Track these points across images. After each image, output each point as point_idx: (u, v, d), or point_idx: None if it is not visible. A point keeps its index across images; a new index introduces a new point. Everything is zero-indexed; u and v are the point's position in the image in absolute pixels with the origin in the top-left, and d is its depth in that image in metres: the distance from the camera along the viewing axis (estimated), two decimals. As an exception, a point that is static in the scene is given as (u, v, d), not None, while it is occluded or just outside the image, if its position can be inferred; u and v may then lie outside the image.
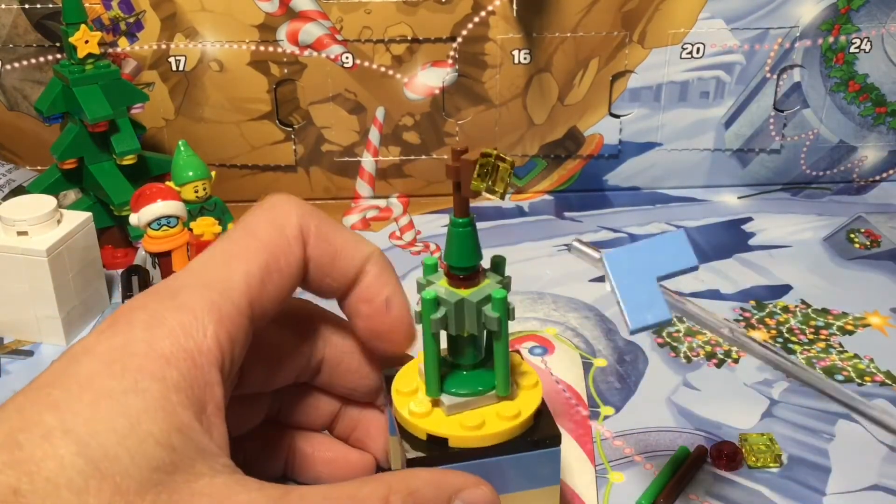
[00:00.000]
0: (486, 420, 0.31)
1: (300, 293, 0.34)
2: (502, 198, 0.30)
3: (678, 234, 0.32)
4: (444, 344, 0.34)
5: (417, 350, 0.34)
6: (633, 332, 0.31)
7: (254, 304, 0.30)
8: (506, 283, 0.32)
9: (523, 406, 0.32)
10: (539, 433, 0.32)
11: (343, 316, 0.36)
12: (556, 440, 0.32)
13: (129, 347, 0.27)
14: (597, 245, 0.71)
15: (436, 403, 0.32)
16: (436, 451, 0.31)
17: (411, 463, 0.31)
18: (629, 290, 0.31)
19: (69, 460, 0.24)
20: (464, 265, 0.31)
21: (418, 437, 0.32)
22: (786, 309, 0.62)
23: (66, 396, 0.25)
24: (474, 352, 0.33)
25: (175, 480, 0.25)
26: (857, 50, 0.76)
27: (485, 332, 0.32)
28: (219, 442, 0.27)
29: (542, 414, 0.32)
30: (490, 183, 0.30)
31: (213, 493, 0.25)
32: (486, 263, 0.33)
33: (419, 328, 0.33)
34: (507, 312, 0.31)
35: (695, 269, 0.31)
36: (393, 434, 0.34)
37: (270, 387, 0.35)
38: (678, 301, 0.33)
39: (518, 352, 0.35)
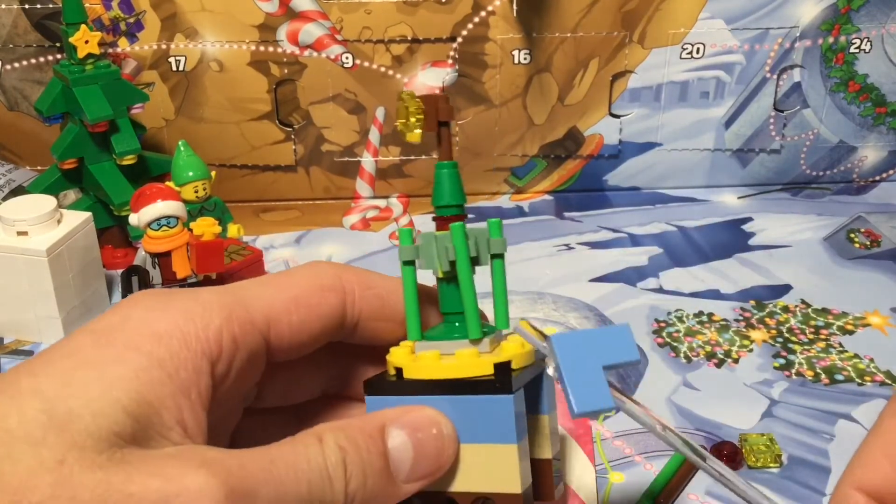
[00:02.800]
0: (445, 357, 0.32)
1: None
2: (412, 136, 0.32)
3: (623, 327, 0.33)
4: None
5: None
6: (576, 417, 0.32)
7: (272, 324, 0.30)
8: (496, 247, 0.33)
9: (493, 357, 0.32)
10: (490, 379, 0.31)
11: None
12: (504, 389, 0.31)
13: (122, 324, 0.27)
14: (596, 245, 0.71)
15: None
16: (390, 379, 0.32)
17: (364, 386, 0.32)
18: (574, 375, 0.32)
19: (31, 416, 0.24)
20: (447, 203, 0.33)
21: (389, 374, 0.32)
22: (786, 309, 0.62)
23: (47, 364, 0.26)
24: (456, 300, 0.33)
25: (131, 446, 0.25)
26: (857, 50, 0.76)
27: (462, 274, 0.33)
28: (192, 430, 0.27)
29: (507, 368, 0.32)
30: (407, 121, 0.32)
31: (168, 453, 0.25)
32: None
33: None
34: (467, 247, 0.32)
35: (637, 363, 0.34)
36: None
37: (292, 400, 0.35)
38: (619, 397, 0.33)
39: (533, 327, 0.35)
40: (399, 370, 0.32)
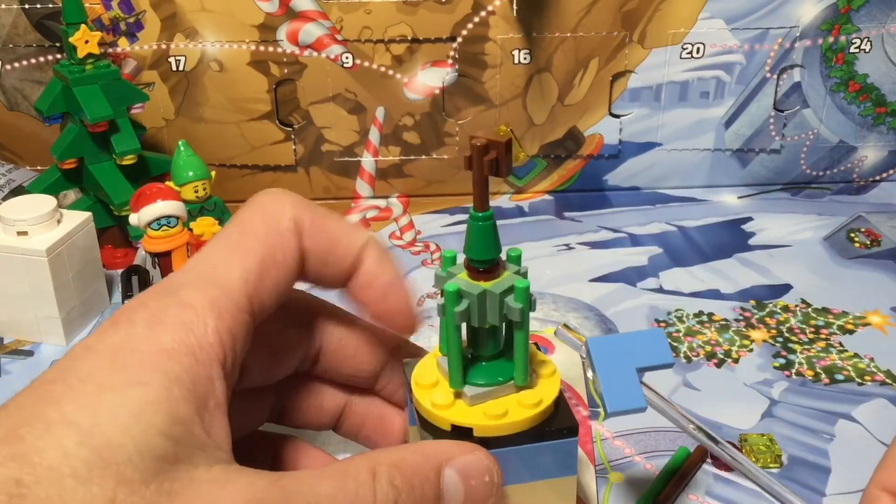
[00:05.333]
0: (509, 409, 0.32)
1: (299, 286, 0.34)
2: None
3: (658, 331, 0.36)
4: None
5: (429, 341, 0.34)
6: (608, 416, 0.33)
7: (253, 300, 0.30)
8: (524, 274, 0.33)
9: (544, 394, 0.32)
10: (557, 423, 0.32)
11: (345, 306, 0.36)
12: (573, 430, 0.32)
13: (130, 343, 0.27)
14: (596, 245, 0.71)
15: (458, 395, 0.32)
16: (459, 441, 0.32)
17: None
18: (609, 376, 0.34)
19: (72, 450, 0.24)
20: (485, 258, 0.32)
21: (442, 429, 0.32)
22: (786, 308, 0.62)
23: (67, 391, 0.25)
24: (494, 343, 0.33)
25: (177, 470, 0.25)
26: (857, 50, 0.76)
27: (503, 323, 0.33)
28: (219, 437, 0.27)
29: (561, 404, 0.33)
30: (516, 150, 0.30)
31: (213, 479, 0.25)
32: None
33: (418, 311, 0.34)
34: (530, 303, 0.31)
35: (671, 366, 0.35)
36: (412, 424, 0.34)
37: (271, 379, 0.35)
38: (654, 396, 0.35)
39: (536, 344, 0.36)
40: (462, 428, 0.32)
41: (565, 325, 0.37)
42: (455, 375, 0.32)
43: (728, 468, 0.47)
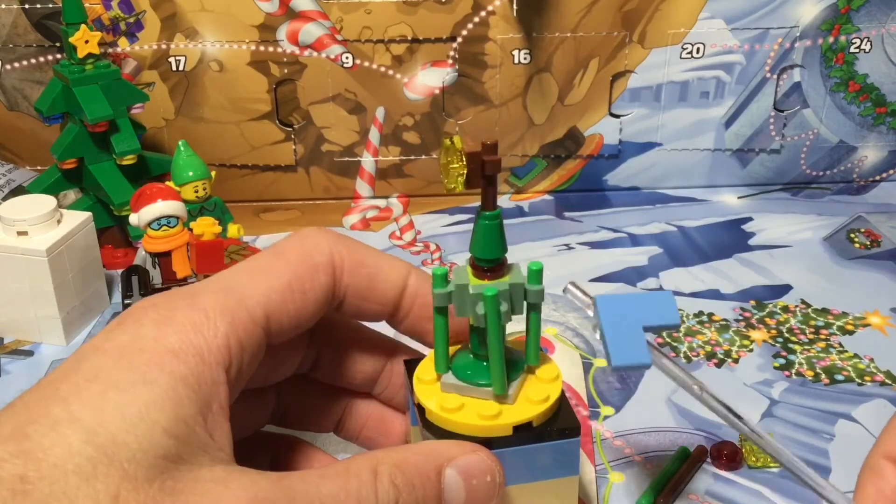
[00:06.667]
0: (544, 390, 0.32)
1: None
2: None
3: (666, 293, 0.36)
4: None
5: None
6: (613, 370, 0.34)
7: (270, 318, 0.30)
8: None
9: (551, 369, 0.33)
10: (559, 423, 0.32)
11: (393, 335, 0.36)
12: (575, 431, 0.32)
13: (137, 343, 0.27)
14: (596, 245, 0.71)
15: (499, 399, 0.33)
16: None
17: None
18: (615, 332, 0.34)
19: (77, 447, 0.24)
20: (493, 257, 0.32)
21: (504, 436, 0.32)
22: (786, 309, 0.62)
23: (73, 389, 0.25)
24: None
25: (180, 468, 0.25)
26: (857, 50, 0.76)
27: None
28: (221, 440, 0.27)
29: (562, 404, 0.33)
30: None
31: (216, 478, 0.26)
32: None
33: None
34: (499, 317, 0.31)
35: (677, 326, 0.35)
36: (414, 424, 0.35)
37: (270, 380, 0.35)
38: (658, 353, 0.35)
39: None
40: (523, 425, 0.32)
41: (573, 283, 0.37)
42: (500, 380, 0.32)
43: (728, 468, 0.47)
